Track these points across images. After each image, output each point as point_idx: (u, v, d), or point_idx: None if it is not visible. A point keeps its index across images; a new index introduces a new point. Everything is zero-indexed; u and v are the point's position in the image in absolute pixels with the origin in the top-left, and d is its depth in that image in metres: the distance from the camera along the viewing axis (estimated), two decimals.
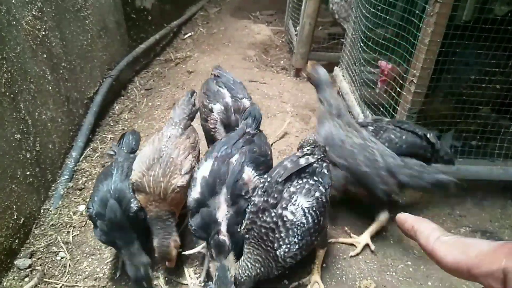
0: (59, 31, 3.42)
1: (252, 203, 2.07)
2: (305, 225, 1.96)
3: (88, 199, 2.86)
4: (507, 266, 0.48)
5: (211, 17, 7.12)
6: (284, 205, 1.97)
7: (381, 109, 2.87)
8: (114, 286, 2.41)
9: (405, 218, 0.69)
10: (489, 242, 0.55)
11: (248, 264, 2.03)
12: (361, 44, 3.18)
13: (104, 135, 3.89)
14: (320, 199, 2.02)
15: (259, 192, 2.07)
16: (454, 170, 2.89)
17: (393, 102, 2.76)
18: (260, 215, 1.99)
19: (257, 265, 2.01)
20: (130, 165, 2.45)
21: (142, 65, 5.34)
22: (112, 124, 4.09)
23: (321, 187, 2.06)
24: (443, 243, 0.59)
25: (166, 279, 2.42)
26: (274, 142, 3.68)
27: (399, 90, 2.72)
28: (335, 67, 4.16)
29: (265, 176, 2.17)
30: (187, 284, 2.36)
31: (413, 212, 2.25)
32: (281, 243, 1.94)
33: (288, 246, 1.94)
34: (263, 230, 1.97)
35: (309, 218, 1.97)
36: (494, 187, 3.24)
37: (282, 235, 1.94)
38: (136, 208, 2.31)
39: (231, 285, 2.01)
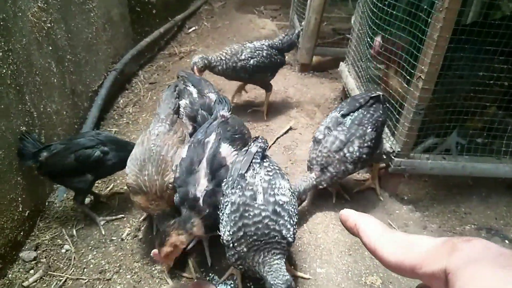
0: (64, 24, 3.40)
1: (227, 204, 2.00)
2: (295, 203, 2.07)
3: None
4: (448, 267, 0.46)
5: (216, 11, 7.09)
6: (271, 192, 1.98)
7: (387, 105, 2.85)
8: (119, 280, 2.41)
9: (347, 214, 0.65)
10: (432, 239, 0.53)
11: (278, 262, 1.89)
12: (368, 40, 3.16)
13: (108, 129, 3.88)
14: (288, 180, 2.19)
15: (230, 191, 2.03)
16: (460, 168, 2.88)
17: (400, 98, 2.74)
18: (245, 214, 1.91)
19: (280, 255, 1.91)
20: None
21: (146, 59, 5.32)
22: (116, 118, 4.08)
23: (282, 171, 2.22)
24: (385, 241, 0.57)
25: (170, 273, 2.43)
26: (278, 137, 3.67)
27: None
28: (341, 63, 4.14)
29: (227, 177, 2.16)
30: (192, 278, 2.36)
31: (417, 209, 2.25)
32: (288, 226, 1.93)
33: (294, 225, 1.97)
34: (260, 226, 1.87)
35: (294, 196, 2.14)
36: (499, 184, 3.23)
37: (286, 218, 1.93)
38: None
39: (186, 230, 2.14)
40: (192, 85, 3.02)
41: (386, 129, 2.96)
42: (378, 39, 2.99)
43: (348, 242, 2.43)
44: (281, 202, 1.95)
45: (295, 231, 1.98)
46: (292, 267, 2.30)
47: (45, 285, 2.48)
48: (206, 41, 5.89)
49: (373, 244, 0.58)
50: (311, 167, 2.67)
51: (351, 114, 2.66)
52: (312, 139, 2.76)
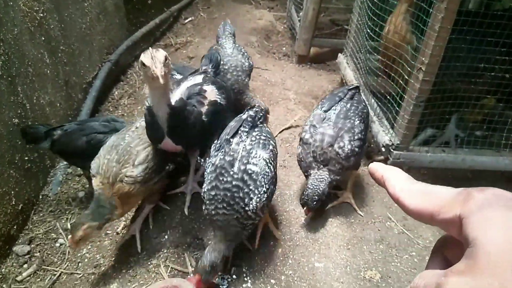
0: (57, 14, 3.33)
1: (209, 164, 2.14)
2: (269, 174, 2.10)
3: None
4: (462, 213, 0.49)
5: (212, 1, 6.98)
6: (245, 161, 2.06)
7: (388, 97, 2.81)
8: (114, 274, 2.38)
9: (376, 167, 0.69)
10: (450, 189, 0.56)
11: (221, 246, 2.06)
12: (368, 31, 3.10)
13: None
14: (273, 151, 2.23)
15: (214, 153, 2.17)
16: (459, 161, 2.85)
17: (400, 89, 2.70)
18: (220, 177, 2.03)
19: (227, 243, 2.07)
20: None
21: (141, 50, 5.22)
22: (111, 110, 4.02)
23: (271, 141, 2.26)
24: (408, 191, 0.60)
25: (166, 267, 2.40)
26: (280, 133, 3.61)
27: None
28: (339, 54, 4.08)
29: (216, 141, 2.28)
30: (188, 272, 2.32)
31: None
32: (251, 195, 2.01)
33: (259, 196, 2.03)
34: (228, 194, 2.00)
35: (271, 168, 2.13)
36: (499, 177, 3.20)
37: (251, 187, 2.02)
38: None
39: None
40: (177, 73, 3.23)
41: (385, 122, 2.92)
42: None
43: (346, 236, 2.40)
44: (250, 172, 2.03)
45: (259, 202, 2.03)
46: (290, 262, 2.27)
47: (39, 279, 2.45)
48: (202, 32, 5.80)
49: (397, 194, 0.61)
50: (314, 167, 2.51)
51: (334, 108, 2.56)
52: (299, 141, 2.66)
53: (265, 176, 2.08)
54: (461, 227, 0.49)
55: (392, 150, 2.75)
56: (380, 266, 2.31)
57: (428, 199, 0.56)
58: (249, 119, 2.28)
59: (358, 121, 2.49)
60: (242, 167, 2.04)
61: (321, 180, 2.43)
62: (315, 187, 2.40)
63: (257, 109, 2.40)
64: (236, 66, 3.26)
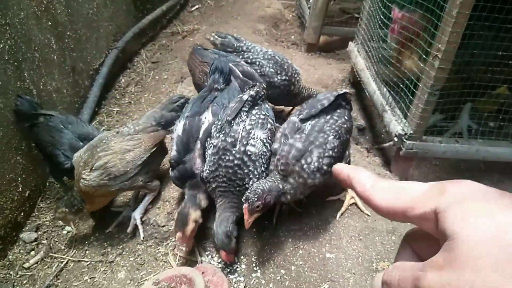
0: None
1: (211, 145, 2.19)
2: (266, 154, 2.17)
3: None
4: (438, 207, 0.48)
5: None
6: (244, 142, 2.12)
7: (401, 85, 2.74)
8: (122, 262, 2.35)
9: (341, 168, 0.68)
10: (423, 184, 0.54)
11: (227, 213, 2.12)
12: (381, 17, 3.02)
13: (110, 108, 3.79)
14: (271, 130, 2.28)
15: (215, 134, 2.21)
16: (473, 151, 2.79)
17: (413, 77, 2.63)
18: (222, 157, 2.11)
19: (233, 210, 2.13)
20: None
21: (148, 37, 5.18)
22: (118, 97, 3.98)
23: (269, 119, 2.30)
24: (377, 189, 0.58)
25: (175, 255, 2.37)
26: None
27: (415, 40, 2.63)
28: (350, 42, 4.00)
29: (217, 120, 2.32)
30: (197, 261, 2.29)
31: None
32: (251, 176, 2.10)
33: (257, 176, 2.11)
34: (230, 171, 2.09)
35: (268, 146, 2.18)
36: (511, 169, 3.13)
37: (250, 168, 2.10)
38: None
39: (198, 205, 2.23)
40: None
41: (397, 111, 2.85)
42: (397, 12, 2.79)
43: (358, 227, 2.35)
44: (249, 153, 2.11)
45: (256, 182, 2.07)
46: (300, 252, 2.23)
47: (46, 266, 2.43)
48: (209, 19, 5.72)
49: (366, 192, 0.59)
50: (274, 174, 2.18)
51: (312, 119, 2.22)
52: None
53: (262, 156, 2.15)
54: (437, 222, 0.47)
55: (405, 139, 2.68)
56: (393, 257, 2.26)
57: (400, 196, 0.55)
58: (249, 99, 2.32)
59: (332, 137, 2.14)
60: (242, 148, 2.11)
61: (272, 181, 2.06)
62: (261, 184, 2.01)
63: (257, 89, 2.42)
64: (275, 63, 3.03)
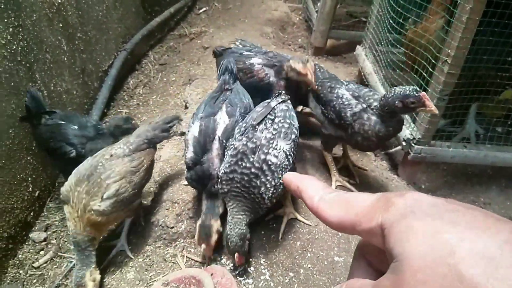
0: (74, 0, 3.30)
1: (232, 146, 2.15)
2: (288, 167, 2.12)
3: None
4: (383, 222, 0.46)
5: None
6: (265, 151, 2.06)
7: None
8: (131, 263, 2.36)
9: (290, 178, 0.66)
10: (369, 196, 0.53)
11: (240, 216, 2.10)
12: (390, 21, 3.03)
13: (119, 110, 3.82)
14: (295, 141, 2.21)
15: (238, 137, 2.17)
16: (482, 156, 2.79)
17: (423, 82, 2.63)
18: (239, 162, 2.05)
19: (246, 213, 2.11)
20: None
21: (156, 39, 5.21)
22: (126, 99, 4.01)
23: (294, 129, 2.22)
24: (326, 202, 0.57)
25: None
26: None
27: None
28: (358, 46, 4.01)
29: (241, 122, 2.29)
30: (204, 263, 2.30)
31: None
32: (268, 185, 2.03)
33: (275, 187, 2.05)
34: (245, 178, 2.03)
35: (290, 160, 2.14)
36: None
37: (268, 178, 2.04)
38: None
39: (217, 215, 2.23)
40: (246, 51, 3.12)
41: (406, 116, 2.86)
42: None
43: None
44: (269, 163, 2.04)
45: (275, 194, 2.07)
46: (308, 255, 2.24)
47: (55, 266, 2.45)
48: (217, 22, 5.75)
49: (315, 206, 0.58)
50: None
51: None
52: None
53: (283, 169, 2.09)
54: (384, 238, 0.46)
55: (413, 144, 2.69)
56: None
57: (348, 208, 0.53)
58: (280, 112, 2.27)
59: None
60: (262, 157, 2.05)
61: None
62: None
63: (284, 98, 2.41)
64: None
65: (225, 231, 2.11)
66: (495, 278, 0.36)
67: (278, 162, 2.06)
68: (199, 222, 2.22)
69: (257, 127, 2.16)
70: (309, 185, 0.62)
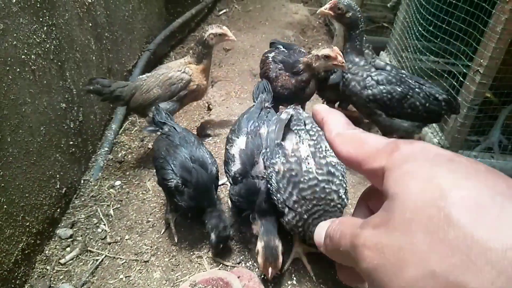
0: (104, 0, 3.34)
1: (272, 174, 2.04)
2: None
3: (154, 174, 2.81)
4: (386, 165, 0.47)
5: None
6: (321, 155, 1.99)
7: None
8: (157, 262, 2.39)
9: (319, 109, 0.66)
10: (382, 138, 0.53)
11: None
12: (419, 28, 3.02)
13: None
14: None
15: (271, 161, 2.07)
16: (509, 167, 2.77)
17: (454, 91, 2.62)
18: (295, 179, 1.93)
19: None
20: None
21: (177, 40, 5.24)
22: None
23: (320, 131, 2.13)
24: (341, 136, 0.58)
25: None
26: None
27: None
28: (381, 52, 4.00)
29: (263, 150, 2.21)
30: (229, 266, 2.32)
31: None
32: (344, 185, 1.96)
33: (347, 187, 2.00)
34: (317, 189, 1.89)
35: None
36: None
37: (340, 178, 1.96)
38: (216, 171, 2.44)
39: (276, 234, 2.10)
40: (283, 47, 3.26)
41: (433, 124, 2.85)
42: None
43: None
44: (333, 163, 1.97)
45: (347, 192, 2.01)
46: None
47: (81, 263, 2.48)
48: (237, 24, 5.77)
49: (332, 138, 0.59)
50: None
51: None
52: None
53: (343, 166, 2.05)
54: (383, 179, 0.47)
55: None
56: None
57: (359, 147, 0.54)
58: (291, 117, 2.27)
59: None
60: (323, 161, 1.97)
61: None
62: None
63: (296, 108, 2.40)
64: None
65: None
66: (481, 225, 0.36)
67: (337, 160, 1.94)
68: (261, 244, 2.08)
69: (283, 143, 2.10)
70: (333, 119, 0.63)
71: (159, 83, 3.04)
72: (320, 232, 0.56)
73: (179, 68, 3.09)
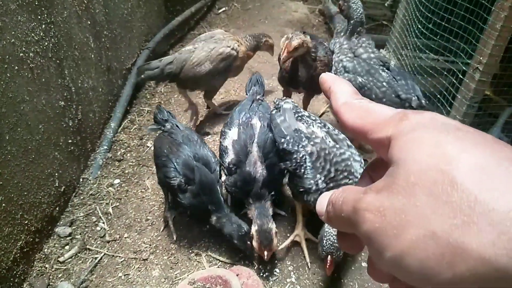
0: None
1: (306, 156, 2.08)
2: None
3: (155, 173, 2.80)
4: (393, 134, 0.47)
5: None
6: (335, 133, 2.16)
7: (438, 96, 2.73)
8: (155, 260, 2.39)
9: (326, 78, 0.66)
10: (389, 109, 0.52)
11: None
12: (418, 26, 3.02)
13: (141, 108, 3.84)
14: None
15: (299, 147, 2.11)
16: None
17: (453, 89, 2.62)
18: (329, 157, 2.03)
19: None
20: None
21: (176, 38, 5.23)
22: (148, 97, 4.03)
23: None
24: (348, 105, 0.58)
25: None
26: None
27: None
28: (381, 50, 3.99)
29: (282, 141, 2.22)
30: (228, 263, 2.32)
31: None
32: (359, 158, 2.08)
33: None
34: (348, 163, 2.02)
35: None
36: None
37: (356, 151, 2.10)
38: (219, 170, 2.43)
39: (270, 218, 2.18)
40: None
41: None
42: None
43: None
44: (348, 139, 2.15)
45: (362, 164, 2.10)
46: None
47: (80, 261, 2.47)
48: (236, 22, 5.77)
49: (338, 107, 0.59)
50: None
51: None
52: None
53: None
54: (389, 148, 0.46)
55: None
56: None
57: (365, 116, 0.54)
58: (294, 106, 2.39)
59: None
60: (340, 136, 2.15)
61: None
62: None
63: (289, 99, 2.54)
64: None
65: (321, 230, 2.02)
66: (486, 187, 0.36)
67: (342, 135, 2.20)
68: (255, 227, 2.14)
69: (300, 129, 2.21)
70: (340, 88, 0.62)
71: (210, 58, 3.14)
72: (322, 201, 0.55)
73: (229, 44, 3.21)
